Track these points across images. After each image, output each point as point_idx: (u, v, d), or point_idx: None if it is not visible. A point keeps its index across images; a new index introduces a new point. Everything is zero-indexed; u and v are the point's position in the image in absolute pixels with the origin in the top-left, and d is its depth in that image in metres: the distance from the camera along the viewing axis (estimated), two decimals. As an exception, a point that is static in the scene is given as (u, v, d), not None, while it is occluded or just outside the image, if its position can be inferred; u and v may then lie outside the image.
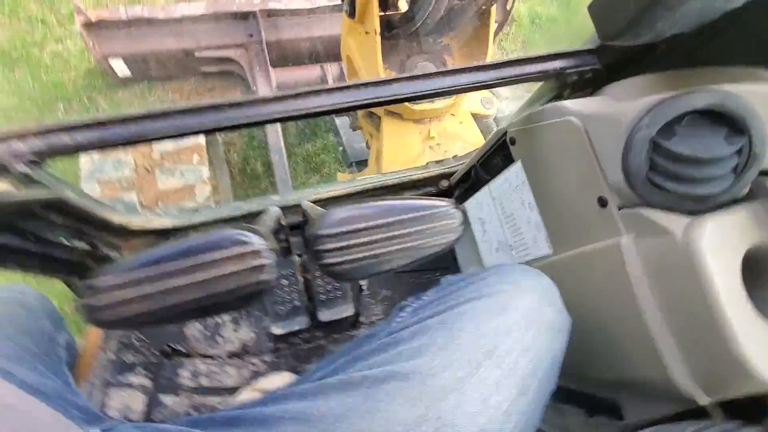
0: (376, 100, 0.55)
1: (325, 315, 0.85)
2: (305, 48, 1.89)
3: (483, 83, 0.57)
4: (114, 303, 0.24)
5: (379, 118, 1.21)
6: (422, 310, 0.44)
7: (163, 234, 0.84)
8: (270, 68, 1.80)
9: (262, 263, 0.26)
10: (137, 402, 0.79)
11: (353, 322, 0.91)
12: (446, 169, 0.98)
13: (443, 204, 0.32)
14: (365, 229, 0.29)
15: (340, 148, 1.70)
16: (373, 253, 0.29)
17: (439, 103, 1.11)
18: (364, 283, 0.95)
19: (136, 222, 0.79)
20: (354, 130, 1.58)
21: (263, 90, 1.83)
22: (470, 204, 0.87)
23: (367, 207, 0.30)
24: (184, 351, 0.84)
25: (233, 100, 0.50)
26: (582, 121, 0.52)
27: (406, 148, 1.15)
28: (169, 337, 0.84)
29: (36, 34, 1.88)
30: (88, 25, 1.60)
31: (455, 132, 1.17)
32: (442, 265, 0.98)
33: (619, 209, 0.50)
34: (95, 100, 1.83)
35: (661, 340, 0.45)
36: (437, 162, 1.03)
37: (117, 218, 0.73)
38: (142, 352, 0.82)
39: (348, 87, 0.53)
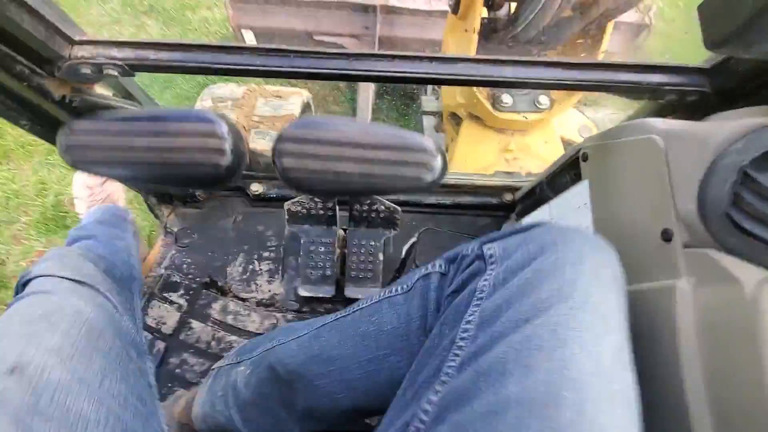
0: (444, 77, 0.53)
1: (350, 291, 0.85)
2: (414, 48, 1.92)
3: (562, 82, 0.52)
4: (84, 145, 0.27)
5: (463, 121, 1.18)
6: (495, 321, 0.36)
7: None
8: (376, 61, 1.87)
9: (221, 147, 0.27)
10: (171, 318, 0.87)
11: (378, 310, 0.90)
12: (513, 182, 0.93)
13: (426, 141, 0.29)
14: (332, 141, 0.28)
15: (421, 148, 1.70)
16: (332, 168, 0.27)
17: (528, 116, 1.05)
18: (398, 277, 0.93)
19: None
20: (438, 132, 1.57)
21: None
22: (526, 221, 0.81)
23: (344, 121, 0.28)
24: (221, 286, 0.90)
25: (309, 49, 0.52)
26: (665, 140, 0.45)
27: (479, 155, 1.11)
28: (214, 270, 0.91)
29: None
30: (233, -3, 1.81)
31: (537, 151, 1.10)
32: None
33: (685, 247, 0.42)
34: (223, 63, 2.07)
35: (697, 412, 0.37)
36: (506, 173, 0.98)
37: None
38: (188, 277, 0.90)
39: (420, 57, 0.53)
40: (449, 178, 0.94)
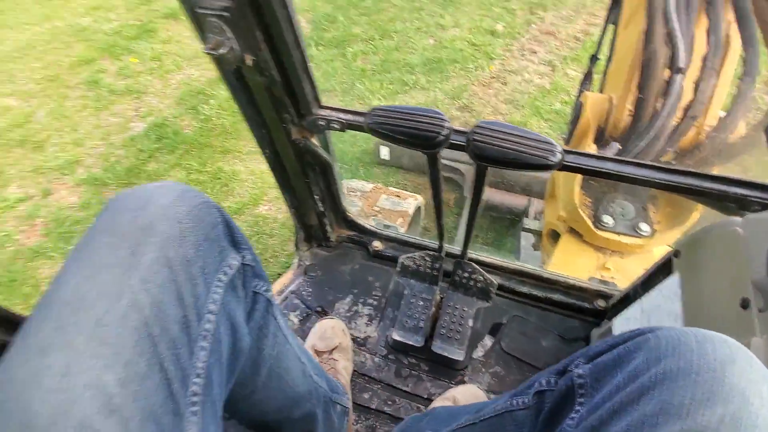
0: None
1: (437, 346, 0.93)
2: (522, 179, 2.17)
3: (650, 180, 0.66)
4: (374, 116, 0.50)
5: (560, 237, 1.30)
6: None
7: (363, 231, 1.15)
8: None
9: (443, 123, 0.48)
10: (282, 332, 1.03)
11: (455, 377, 0.95)
12: (608, 290, 0.99)
13: (551, 139, 0.46)
14: (507, 132, 0.47)
15: (516, 264, 1.80)
16: (503, 146, 0.46)
17: (627, 239, 1.14)
18: (481, 353, 0.99)
19: (351, 212, 1.12)
20: (535, 250, 1.68)
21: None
22: (618, 320, 0.85)
23: (515, 128, 0.47)
24: (328, 315, 1.06)
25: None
26: (744, 228, 0.54)
27: (576, 267, 1.19)
28: (326, 302, 1.08)
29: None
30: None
31: (635, 274, 1.15)
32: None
33: (760, 311, 0.48)
34: (358, 169, 2.54)
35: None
36: (600, 281, 1.04)
37: (344, 203, 1.08)
38: (305, 302, 1.08)
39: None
40: (544, 273, 1.04)
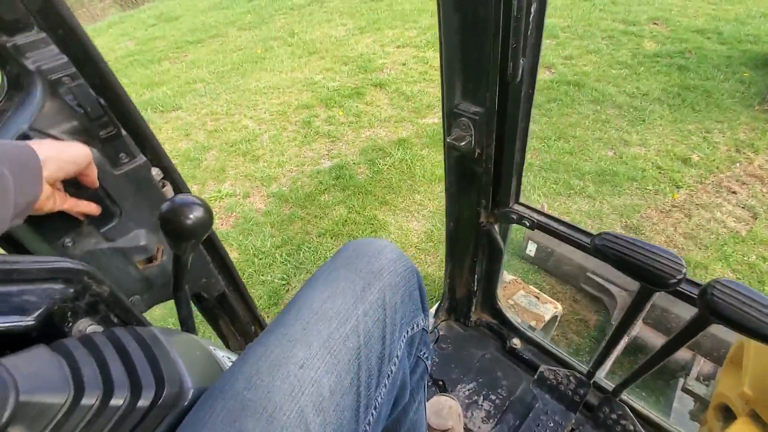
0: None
1: (558, 479, 0.85)
2: (689, 329, 1.87)
3: None
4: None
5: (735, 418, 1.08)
6: None
7: (505, 323, 1.15)
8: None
9: (680, 269, 0.49)
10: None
11: None
12: None
13: None
14: (753, 299, 0.44)
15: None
16: (750, 312, 0.43)
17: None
18: None
19: (502, 301, 1.13)
20: (692, 419, 1.40)
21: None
22: None
23: (762, 297, 0.44)
24: (447, 392, 1.06)
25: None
26: None
27: (753, 464, 0.96)
28: (448, 379, 1.09)
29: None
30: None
31: None
32: None
33: None
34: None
35: None
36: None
37: (499, 291, 1.10)
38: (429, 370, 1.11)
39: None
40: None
